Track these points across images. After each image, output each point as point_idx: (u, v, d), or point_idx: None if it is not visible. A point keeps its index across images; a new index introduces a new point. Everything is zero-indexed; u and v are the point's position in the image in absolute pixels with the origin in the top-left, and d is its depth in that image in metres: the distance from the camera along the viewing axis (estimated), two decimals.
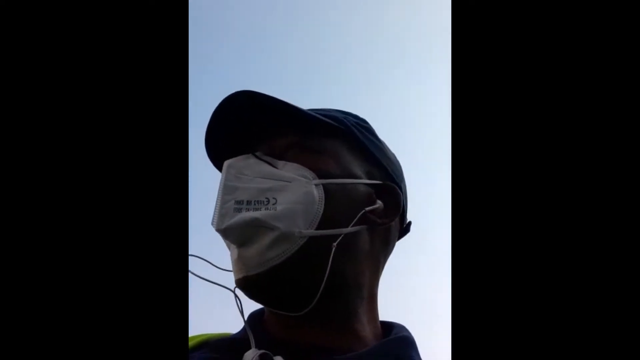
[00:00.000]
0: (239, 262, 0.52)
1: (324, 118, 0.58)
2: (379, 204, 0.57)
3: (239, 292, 0.55)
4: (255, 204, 0.52)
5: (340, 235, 0.53)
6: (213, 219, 0.52)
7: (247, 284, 0.53)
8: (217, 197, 0.54)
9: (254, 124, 0.58)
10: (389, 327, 0.59)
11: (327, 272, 0.51)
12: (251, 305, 0.57)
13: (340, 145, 0.59)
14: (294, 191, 0.53)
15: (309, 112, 0.58)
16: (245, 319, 0.56)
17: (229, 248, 0.56)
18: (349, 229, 0.54)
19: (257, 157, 0.57)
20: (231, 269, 0.55)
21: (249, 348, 0.50)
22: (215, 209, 0.53)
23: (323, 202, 0.53)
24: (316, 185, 0.54)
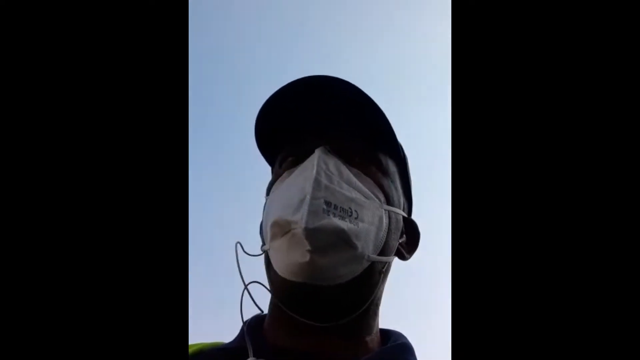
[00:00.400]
0: (307, 267, 0.48)
1: (395, 137, 0.57)
2: (404, 238, 0.60)
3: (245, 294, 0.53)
4: (341, 211, 0.50)
5: (387, 263, 0.55)
6: (294, 211, 0.49)
7: (306, 292, 0.49)
8: (300, 187, 0.50)
9: (325, 112, 0.55)
10: (386, 334, 0.59)
11: (374, 296, 0.53)
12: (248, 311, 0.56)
13: (397, 171, 0.60)
14: (371, 212, 0.52)
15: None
16: (243, 327, 0.54)
17: (279, 242, 0.51)
18: (392, 258, 0.56)
19: (330, 152, 0.54)
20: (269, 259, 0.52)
21: (246, 357, 0.49)
22: (296, 200, 0.49)
23: (387, 230, 0.54)
24: (385, 210, 0.54)
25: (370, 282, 0.53)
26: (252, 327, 0.55)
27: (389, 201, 0.55)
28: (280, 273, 0.51)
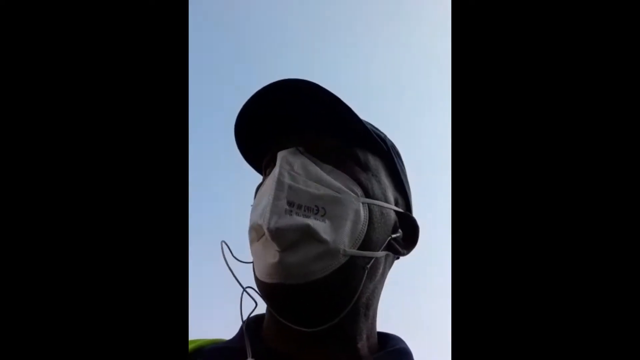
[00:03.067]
0: (278, 267, 0.49)
1: (373, 132, 0.57)
2: (400, 233, 0.58)
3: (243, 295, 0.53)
4: (305, 210, 0.50)
5: (372, 258, 0.53)
6: (261, 214, 0.49)
7: (282, 292, 0.49)
8: (268, 190, 0.51)
9: (299, 115, 0.56)
10: (385, 338, 0.58)
11: (357, 293, 0.51)
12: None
13: (381, 165, 0.59)
14: (344, 206, 0.52)
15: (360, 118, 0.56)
16: (246, 326, 0.53)
17: (256, 246, 0.52)
18: (379, 253, 0.54)
19: (301, 153, 0.55)
20: (253, 264, 0.53)
21: (244, 356, 0.49)
22: (263, 204, 0.50)
23: (367, 223, 0.53)
24: (363, 203, 0.53)
25: (351, 278, 0.51)
26: (252, 327, 0.55)
27: (367, 194, 0.55)
28: (258, 276, 0.51)
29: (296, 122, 0.56)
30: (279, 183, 0.50)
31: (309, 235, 0.49)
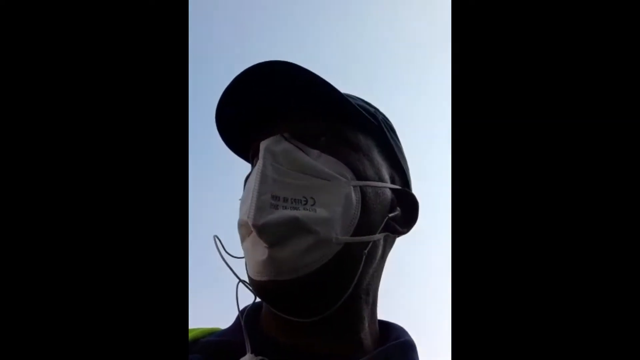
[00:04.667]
0: (268, 264, 0.46)
1: (361, 109, 0.54)
2: (398, 210, 0.56)
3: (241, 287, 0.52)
4: (292, 202, 0.48)
5: (369, 242, 0.51)
6: (246, 211, 0.47)
7: (274, 289, 0.47)
8: (252, 185, 0.48)
9: (280, 98, 0.52)
10: (386, 327, 0.57)
11: (355, 281, 0.49)
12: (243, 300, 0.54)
13: (373, 143, 0.56)
14: (333, 192, 0.49)
15: (346, 96, 0.52)
16: (242, 317, 0.52)
17: (246, 243, 0.50)
18: (376, 237, 0.52)
19: (286, 139, 0.51)
20: (245, 261, 0.51)
21: (243, 350, 0.48)
22: (249, 199, 0.47)
23: (360, 207, 0.50)
24: (354, 186, 0.51)
25: (347, 265, 0.49)
26: (250, 316, 0.53)
27: (359, 176, 0.52)
28: (249, 274, 0.50)
29: (279, 107, 0.53)
30: (263, 176, 0.48)
31: (298, 227, 0.47)
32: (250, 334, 0.49)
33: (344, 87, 0.52)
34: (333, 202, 0.49)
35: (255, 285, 0.49)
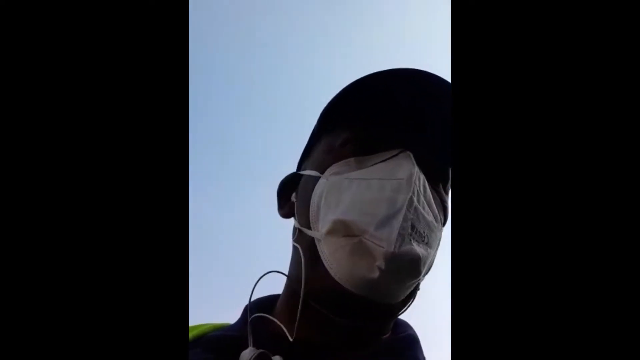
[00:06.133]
0: (373, 284, 0.45)
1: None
2: None
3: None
4: (418, 235, 0.47)
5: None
6: (381, 227, 0.45)
7: (358, 303, 0.46)
8: (395, 204, 0.46)
9: (431, 116, 0.50)
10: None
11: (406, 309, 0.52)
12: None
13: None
14: (436, 235, 0.49)
15: None
16: (249, 311, 0.51)
17: (342, 242, 0.47)
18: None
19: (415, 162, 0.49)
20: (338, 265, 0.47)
21: (246, 345, 0.48)
22: (389, 219, 0.45)
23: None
24: (440, 231, 0.51)
25: (410, 297, 0.51)
26: (259, 312, 0.52)
27: (445, 222, 0.53)
28: (336, 277, 0.47)
29: (415, 116, 0.51)
30: (410, 202, 0.46)
31: (416, 267, 0.46)
32: (258, 329, 0.49)
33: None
34: (434, 245, 0.49)
35: (337, 291, 0.47)
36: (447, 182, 0.54)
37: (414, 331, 0.56)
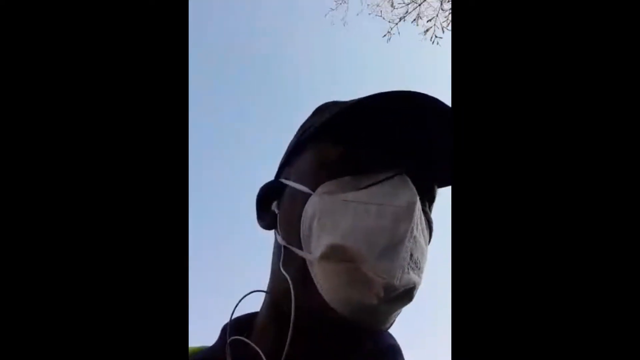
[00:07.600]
0: (369, 310, 0.45)
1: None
2: None
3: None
4: (414, 264, 0.46)
5: None
6: (380, 259, 0.44)
7: (349, 327, 0.46)
8: (395, 235, 0.45)
9: (437, 144, 0.49)
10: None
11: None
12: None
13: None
14: (426, 258, 0.49)
15: None
16: (228, 332, 0.51)
17: (336, 267, 0.45)
18: None
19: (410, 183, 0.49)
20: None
21: None
22: (388, 250, 0.45)
23: None
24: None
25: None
26: (236, 332, 0.51)
27: (430, 240, 0.52)
28: (329, 301, 0.45)
29: (416, 143, 0.50)
30: (411, 233, 0.46)
31: (410, 295, 0.46)
32: (235, 346, 0.49)
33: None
34: (424, 268, 0.49)
35: (328, 314, 0.45)
36: (433, 201, 0.54)
37: (395, 341, 0.55)
